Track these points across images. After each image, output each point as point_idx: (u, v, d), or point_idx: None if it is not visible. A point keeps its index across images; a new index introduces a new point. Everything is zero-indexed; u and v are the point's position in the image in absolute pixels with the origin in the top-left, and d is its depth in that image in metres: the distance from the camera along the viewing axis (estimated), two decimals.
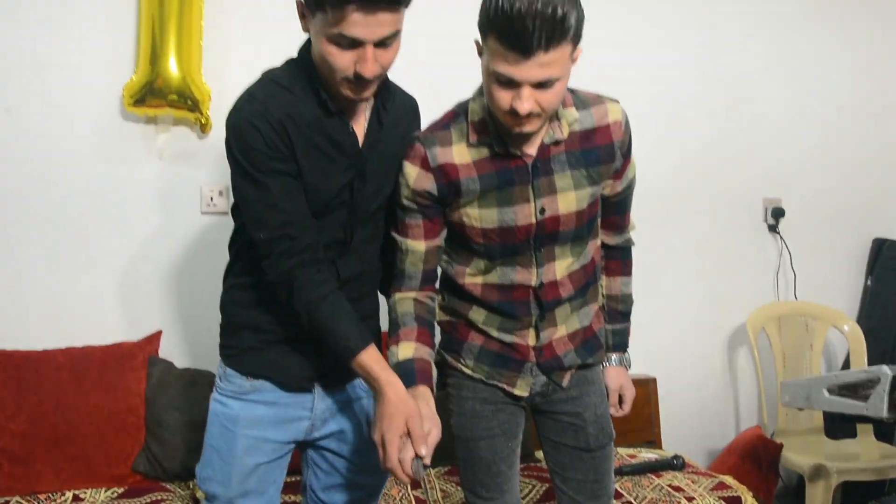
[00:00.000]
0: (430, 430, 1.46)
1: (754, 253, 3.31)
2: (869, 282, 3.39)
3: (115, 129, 2.60)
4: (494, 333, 1.71)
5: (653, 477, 2.53)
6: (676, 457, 2.65)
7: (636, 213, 1.82)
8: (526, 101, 1.44)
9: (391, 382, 1.46)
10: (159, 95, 2.48)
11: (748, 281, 3.29)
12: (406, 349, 1.60)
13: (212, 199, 2.68)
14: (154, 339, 2.61)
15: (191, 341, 2.69)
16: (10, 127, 2.53)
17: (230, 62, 2.65)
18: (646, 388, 2.97)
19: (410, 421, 1.42)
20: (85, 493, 2.36)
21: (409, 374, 1.55)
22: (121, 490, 2.39)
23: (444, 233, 1.69)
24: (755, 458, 2.80)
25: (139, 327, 2.64)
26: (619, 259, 1.84)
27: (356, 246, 1.61)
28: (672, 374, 3.14)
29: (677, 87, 3.16)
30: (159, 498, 2.33)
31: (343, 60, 1.41)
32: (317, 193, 1.53)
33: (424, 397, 1.52)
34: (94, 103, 2.58)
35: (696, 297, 3.22)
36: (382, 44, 1.41)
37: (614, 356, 1.88)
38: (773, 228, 3.31)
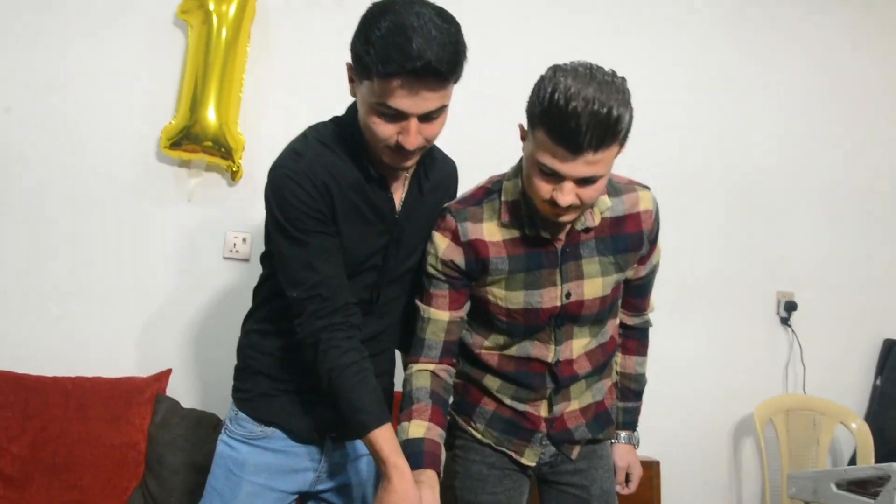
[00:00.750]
0: None
1: (765, 344, 3.30)
2: (878, 381, 3.38)
3: (149, 169, 2.67)
4: (507, 401, 1.71)
5: None
6: None
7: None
8: (567, 195, 1.43)
9: (398, 467, 1.40)
10: (195, 141, 2.56)
11: (758, 372, 3.28)
12: (417, 428, 1.55)
13: (235, 245, 2.72)
14: (163, 376, 2.62)
15: (200, 383, 2.70)
16: (48, 156, 2.61)
17: (267, 115, 2.73)
18: (649, 471, 2.93)
19: None
20: None
21: (417, 455, 1.50)
22: None
23: (468, 305, 1.68)
24: None
25: (150, 364, 2.66)
26: (635, 339, 1.86)
27: (381, 306, 1.62)
28: (676, 459, 3.10)
29: (691, 177, 3.21)
30: None
31: (386, 130, 1.41)
32: (351, 255, 1.53)
33: (430, 484, 1.46)
34: (133, 142, 2.66)
35: (704, 383, 3.21)
36: (427, 117, 1.40)
37: (623, 434, 1.88)
38: (785, 321, 3.31)
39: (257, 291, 1.69)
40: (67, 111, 2.62)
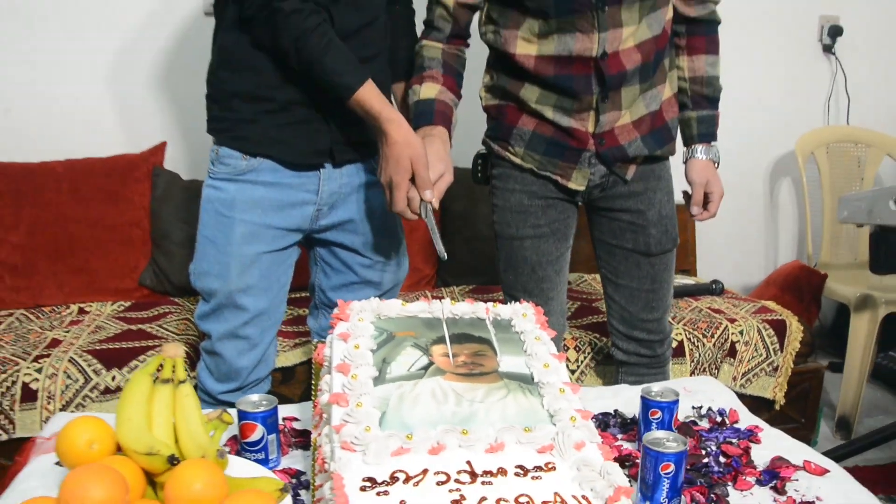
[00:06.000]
0: (443, 172, 1.38)
1: (805, 76, 3.04)
2: None
3: None
4: (549, 114, 1.51)
5: (691, 300, 2.39)
6: (715, 282, 2.50)
7: None
8: None
9: (393, 120, 1.34)
10: None
11: (798, 104, 3.04)
12: (429, 90, 1.48)
13: None
14: (158, 150, 2.45)
15: (197, 152, 2.51)
16: None
17: None
18: (682, 214, 2.77)
19: (415, 163, 1.34)
20: (90, 306, 2.26)
21: (427, 113, 1.45)
22: (127, 304, 2.28)
23: None
24: (797, 289, 2.65)
25: (142, 139, 2.48)
26: (703, 34, 1.60)
27: None
28: None
29: None
30: (166, 311, 2.22)
31: None
32: None
33: (440, 137, 1.43)
34: None
35: (739, 121, 2.96)
36: None
37: (700, 147, 1.65)
38: (828, 49, 3.02)
39: (216, 5, 1.47)
40: None
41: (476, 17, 1.56)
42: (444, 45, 1.52)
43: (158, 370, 0.97)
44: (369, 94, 1.33)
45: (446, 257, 1.38)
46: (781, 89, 3.02)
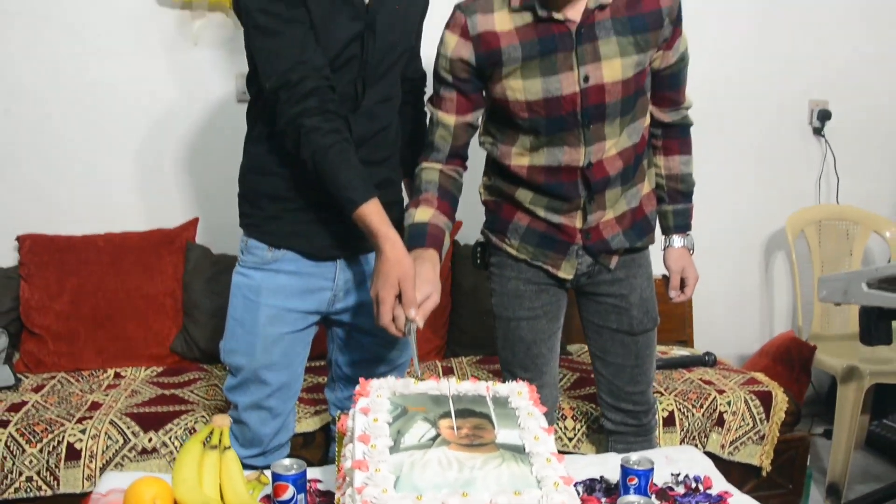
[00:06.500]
0: (430, 294, 1.45)
1: (797, 156, 3.22)
2: None
3: (149, 16, 2.57)
4: (541, 213, 1.69)
5: (684, 372, 2.54)
6: (708, 353, 2.65)
7: None
8: None
9: (389, 238, 1.43)
10: None
11: (789, 184, 3.22)
12: (423, 213, 1.60)
13: None
14: (191, 225, 2.65)
15: (226, 228, 2.68)
16: (48, 7, 2.52)
17: None
18: None
19: (403, 282, 1.41)
20: (126, 370, 2.44)
21: (420, 236, 1.56)
22: (160, 369, 2.46)
23: (478, 112, 1.67)
24: (788, 360, 2.79)
25: (177, 214, 2.69)
26: (677, 137, 1.79)
27: (368, 106, 1.59)
28: (707, 276, 3.06)
29: None
30: (195, 377, 2.40)
31: None
32: (325, 39, 1.50)
33: (431, 260, 1.52)
34: None
35: (735, 198, 3.16)
36: None
37: (676, 237, 1.83)
38: (818, 131, 3.21)
39: (249, 113, 1.66)
40: None
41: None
42: (442, 167, 1.67)
43: (208, 437, 1.15)
44: (370, 212, 1.44)
45: (420, 377, 1.43)
46: (775, 169, 3.20)
